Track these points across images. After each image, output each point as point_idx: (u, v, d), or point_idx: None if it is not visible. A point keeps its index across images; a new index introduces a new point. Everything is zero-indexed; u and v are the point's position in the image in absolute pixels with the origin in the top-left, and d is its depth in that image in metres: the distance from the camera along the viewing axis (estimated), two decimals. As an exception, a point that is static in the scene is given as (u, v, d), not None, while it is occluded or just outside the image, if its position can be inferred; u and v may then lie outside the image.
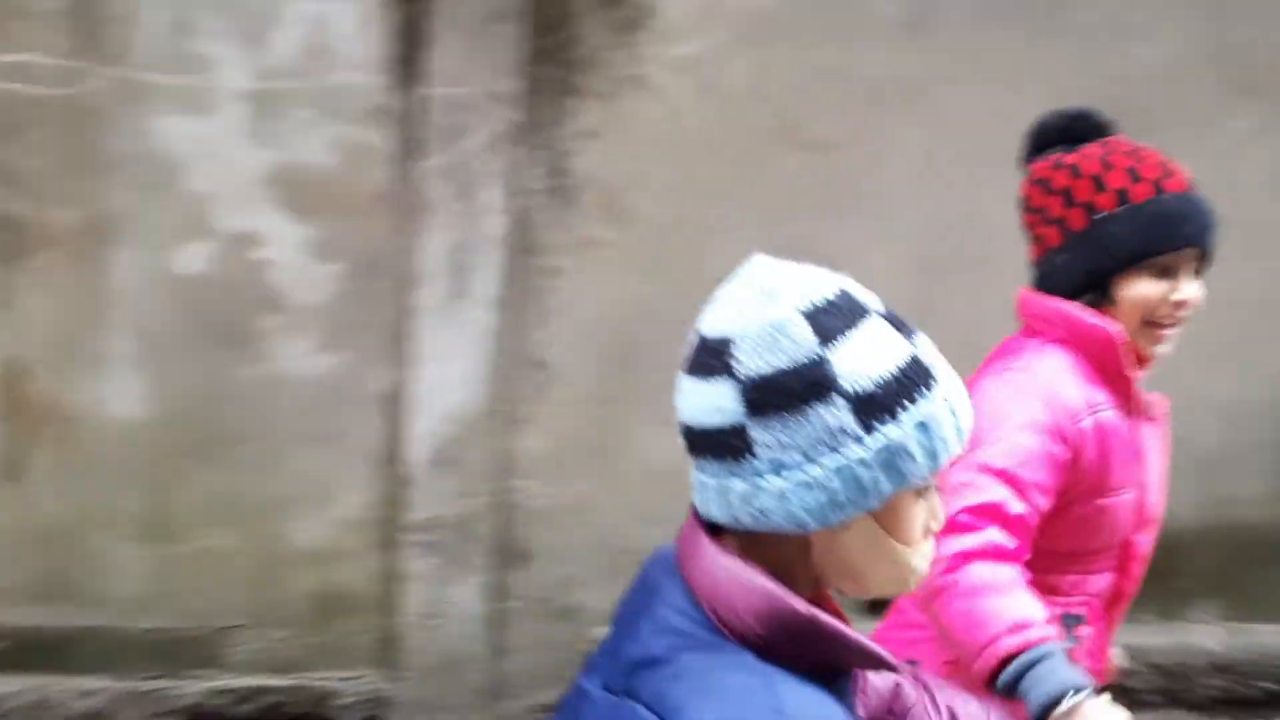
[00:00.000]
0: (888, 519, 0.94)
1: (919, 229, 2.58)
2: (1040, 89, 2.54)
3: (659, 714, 0.90)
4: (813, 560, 0.95)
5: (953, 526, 1.35)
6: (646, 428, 2.55)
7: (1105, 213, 1.54)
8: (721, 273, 0.93)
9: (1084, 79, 2.56)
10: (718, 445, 0.93)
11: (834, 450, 0.90)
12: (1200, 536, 2.92)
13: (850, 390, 0.90)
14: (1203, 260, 1.59)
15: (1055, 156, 1.62)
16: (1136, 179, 1.56)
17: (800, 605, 0.92)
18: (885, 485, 0.91)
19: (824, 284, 0.94)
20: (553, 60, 2.41)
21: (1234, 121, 2.66)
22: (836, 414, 0.90)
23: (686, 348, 0.97)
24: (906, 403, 0.91)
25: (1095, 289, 1.57)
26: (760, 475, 0.91)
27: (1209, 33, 2.61)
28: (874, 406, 0.90)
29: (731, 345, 0.92)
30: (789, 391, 0.90)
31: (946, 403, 0.93)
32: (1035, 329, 1.61)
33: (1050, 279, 1.60)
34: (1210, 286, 2.73)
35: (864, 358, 0.91)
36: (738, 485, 0.92)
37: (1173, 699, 2.89)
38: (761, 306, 0.92)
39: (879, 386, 0.91)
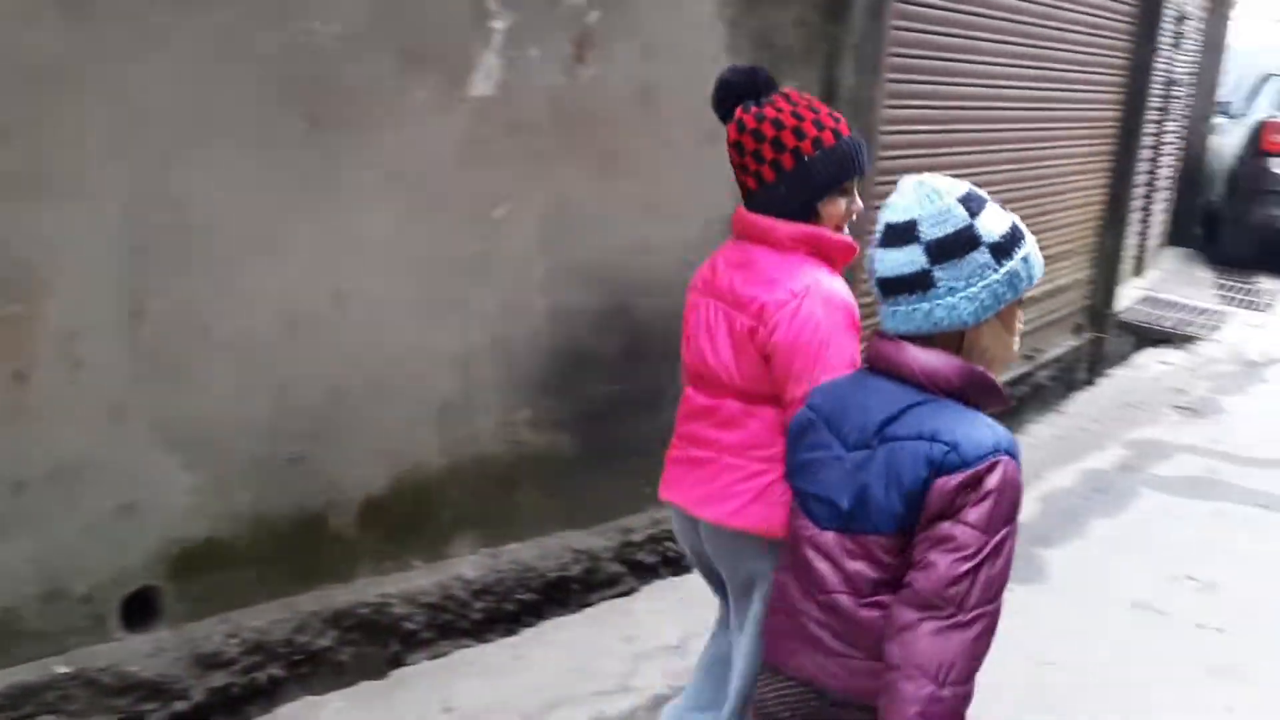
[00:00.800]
0: (1004, 318, 1.71)
1: (123, 212, 2.42)
2: (220, 62, 2.51)
3: (919, 435, 1.60)
4: (962, 350, 1.69)
5: None
6: None
7: (808, 155, 2.04)
8: None
9: (263, 51, 2.57)
10: (912, 285, 1.65)
11: (981, 277, 1.64)
12: (451, 476, 3.14)
13: (988, 241, 1.65)
14: (859, 181, 2.15)
15: (753, 110, 2.08)
16: (821, 128, 2.06)
17: (977, 366, 1.67)
18: (1008, 295, 1.67)
19: (960, 184, 1.69)
20: None
21: (413, 92, 2.83)
22: (982, 256, 1.64)
23: (876, 236, 1.70)
24: (1016, 247, 1.67)
25: (806, 210, 2.09)
26: (939, 297, 1.63)
27: (384, 6, 2.74)
28: (1001, 250, 1.66)
29: (917, 225, 1.65)
30: (955, 246, 1.63)
31: (1034, 247, 1.71)
32: (786, 247, 2.07)
33: (773, 205, 2.08)
34: (422, 249, 2.95)
35: (992, 222, 1.67)
36: (924, 306, 1.64)
37: (444, 631, 3.10)
38: (931, 200, 1.65)
39: (1002, 238, 1.66)
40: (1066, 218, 6.31)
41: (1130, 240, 8.43)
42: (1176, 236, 10.99)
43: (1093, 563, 3.96)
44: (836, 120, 2.09)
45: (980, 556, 1.54)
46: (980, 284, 1.63)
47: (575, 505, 3.46)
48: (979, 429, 1.60)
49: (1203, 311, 8.30)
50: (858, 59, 3.82)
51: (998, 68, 4.90)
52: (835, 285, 2.06)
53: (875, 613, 1.63)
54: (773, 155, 2.04)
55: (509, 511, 3.30)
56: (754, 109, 2.08)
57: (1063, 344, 6.57)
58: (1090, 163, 6.50)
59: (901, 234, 1.65)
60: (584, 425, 3.42)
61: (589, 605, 3.41)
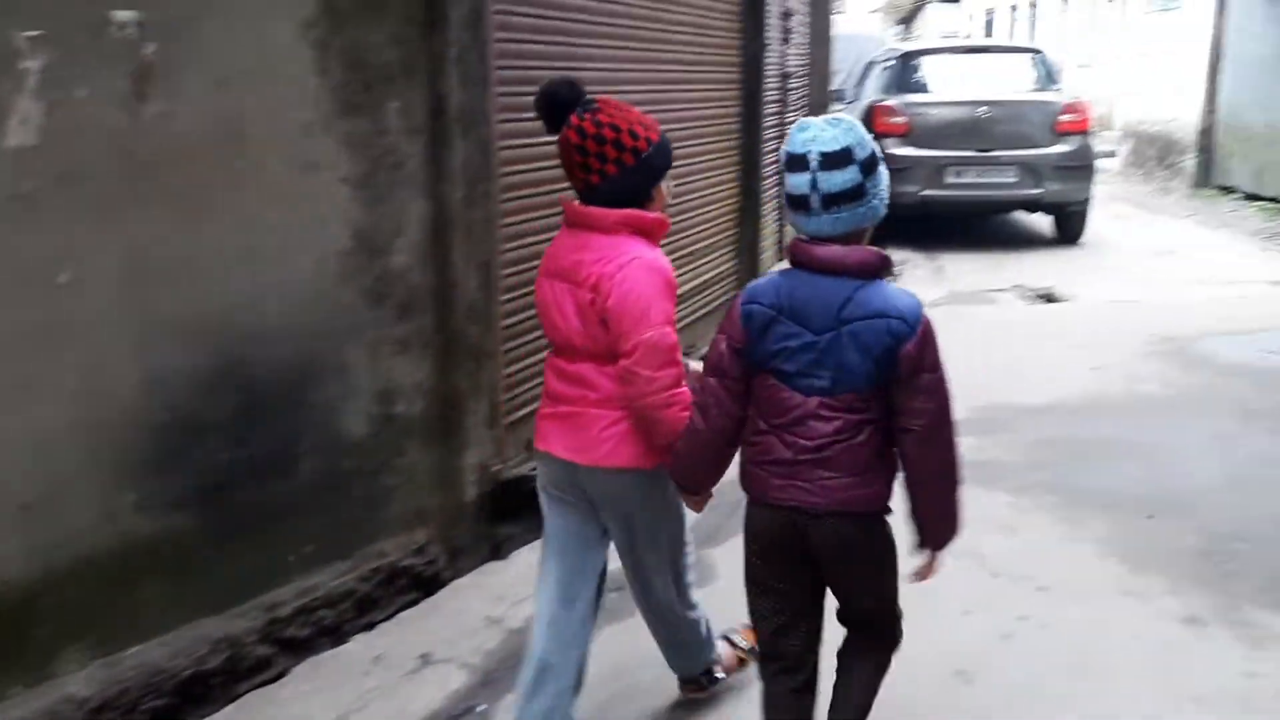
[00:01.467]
0: None
1: None
2: None
3: (877, 312, 2.21)
4: (864, 241, 2.31)
5: (677, 364, 2.48)
6: None
7: (643, 152, 2.50)
8: None
9: None
10: (853, 195, 2.22)
11: (884, 184, 2.27)
12: (46, 584, 2.72)
13: (881, 158, 2.28)
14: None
15: (588, 117, 2.48)
16: (646, 128, 2.52)
17: (883, 253, 2.29)
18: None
19: (855, 119, 2.31)
20: None
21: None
22: (883, 169, 2.27)
23: (811, 165, 2.21)
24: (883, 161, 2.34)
25: (642, 196, 2.55)
26: (869, 202, 2.24)
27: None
28: (883, 163, 2.30)
29: (851, 150, 2.20)
30: (874, 163, 2.24)
31: None
32: (612, 229, 2.50)
33: (617, 195, 2.51)
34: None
35: (876, 145, 2.30)
36: (860, 210, 2.23)
37: (55, 767, 2.67)
38: (852, 131, 2.23)
39: (882, 155, 2.32)
40: (705, 213, 6.47)
41: (769, 228, 8.82)
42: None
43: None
44: (652, 121, 2.57)
45: (945, 385, 2.27)
46: (884, 189, 2.28)
47: (208, 589, 3.10)
48: (903, 297, 2.26)
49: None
50: (462, 73, 3.66)
51: (610, 74, 4.90)
52: (654, 256, 2.52)
53: (856, 446, 2.27)
54: (616, 154, 2.48)
55: (126, 610, 2.91)
56: (588, 115, 2.49)
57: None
58: (719, 159, 6.70)
59: (840, 159, 2.19)
60: (205, 500, 3.06)
61: (237, 698, 3.07)
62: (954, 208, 10.54)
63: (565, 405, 2.62)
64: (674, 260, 6.20)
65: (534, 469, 2.84)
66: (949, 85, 10.74)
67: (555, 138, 2.56)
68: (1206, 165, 14.95)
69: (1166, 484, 4.70)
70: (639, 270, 2.45)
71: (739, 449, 2.42)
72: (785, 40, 9.24)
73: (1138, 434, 5.34)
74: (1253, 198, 13.63)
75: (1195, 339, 7.19)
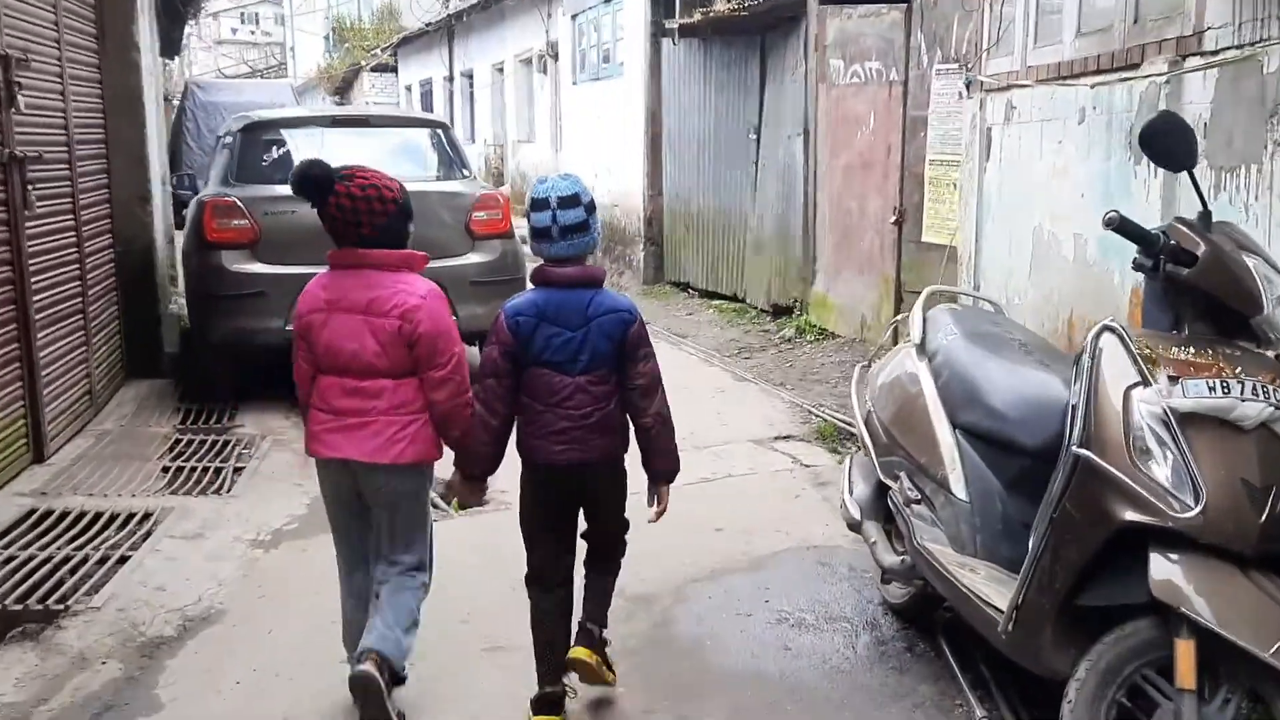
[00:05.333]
0: None
1: None
2: None
3: (611, 309, 3.31)
4: (588, 261, 3.42)
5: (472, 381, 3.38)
6: None
7: (399, 201, 3.33)
8: None
9: None
10: (581, 228, 3.29)
11: (598, 220, 3.38)
12: None
13: (595, 203, 3.41)
14: None
15: (349, 184, 3.24)
16: (390, 188, 3.33)
17: (604, 270, 3.72)
18: None
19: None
20: None
21: None
22: (596, 210, 3.37)
23: (552, 206, 3.26)
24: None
25: (404, 238, 3.39)
26: (590, 233, 3.32)
27: None
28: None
29: (579, 195, 3.30)
30: (593, 206, 3.35)
31: None
32: (395, 267, 3.32)
33: (389, 239, 3.32)
34: None
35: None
36: (586, 239, 3.31)
37: None
38: (579, 183, 3.34)
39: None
40: None
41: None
42: (144, 365, 7.93)
43: None
44: (391, 178, 3.36)
45: (654, 355, 3.37)
46: (599, 223, 3.36)
47: None
48: (624, 297, 3.37)
49: (123, 519, 5.20)
50: None
51: None
52: (433, 285, 3.36)
53: (610, 411, 3.30)
54: (381, 207, 3.28)
55: None
56: (348, 184, 3.24)
57: None
58: None
59: (572, 201, 3.26)
60: None
61: None
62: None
63: (354, 417, 3.29)
64: None
65: None
66: (319, 172, 7.54)
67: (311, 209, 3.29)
68: (657, 258, 13.11)
69: None
70: (438, 301, 3.33)
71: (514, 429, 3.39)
72: (8, 103, 5.55)
73: None
74: (709, 295, 11.88)
75: (675, 596, 4.45)
